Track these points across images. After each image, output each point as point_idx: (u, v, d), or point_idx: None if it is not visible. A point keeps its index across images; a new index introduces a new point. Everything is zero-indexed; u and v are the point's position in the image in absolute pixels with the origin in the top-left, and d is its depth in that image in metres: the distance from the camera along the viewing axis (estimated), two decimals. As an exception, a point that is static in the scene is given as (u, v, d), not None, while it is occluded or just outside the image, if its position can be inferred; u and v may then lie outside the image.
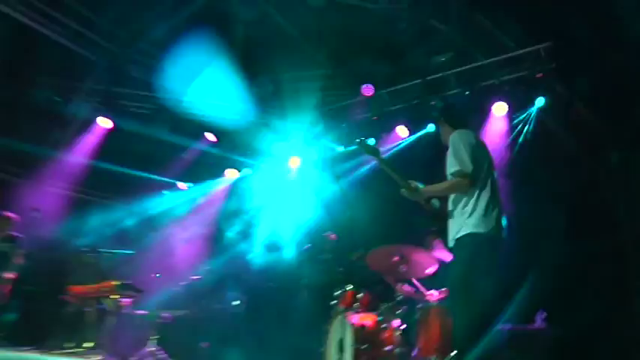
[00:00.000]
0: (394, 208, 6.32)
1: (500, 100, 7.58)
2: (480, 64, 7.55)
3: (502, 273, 4.09)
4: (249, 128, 9.21)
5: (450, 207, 4.32)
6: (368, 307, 6.24)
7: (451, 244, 4.24)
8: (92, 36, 9.46)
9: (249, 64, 8.77)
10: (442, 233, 4.52)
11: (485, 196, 4.15)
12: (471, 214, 4.10)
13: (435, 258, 6.07)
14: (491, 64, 7.46)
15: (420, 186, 4.41)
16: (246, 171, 9.61)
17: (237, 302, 7.99)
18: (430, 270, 6.14)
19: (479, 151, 4.29)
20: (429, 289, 6.24)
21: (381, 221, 7.04)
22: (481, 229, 4.05)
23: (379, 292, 6.43)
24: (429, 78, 7.83)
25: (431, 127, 8.03)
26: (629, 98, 6.59)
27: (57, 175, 10.28)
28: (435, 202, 4.53)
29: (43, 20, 8.81)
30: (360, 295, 6.24)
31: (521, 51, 7.23)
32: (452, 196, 4.30)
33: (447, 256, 5.73)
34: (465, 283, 3.98)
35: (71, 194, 10.61)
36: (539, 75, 7.02)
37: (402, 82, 8.20)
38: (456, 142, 4.22)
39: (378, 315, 6.04)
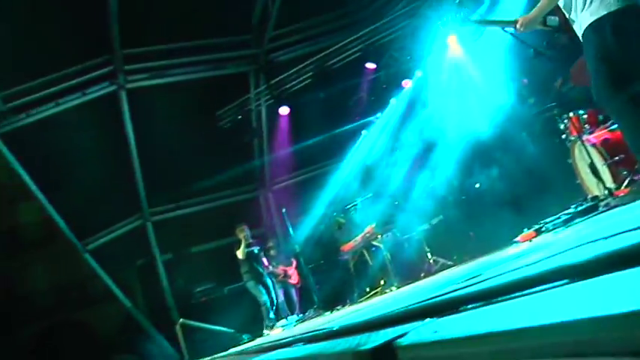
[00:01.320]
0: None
1: None
2: None
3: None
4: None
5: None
6: (598, 122, 6.07)
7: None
8: (229, 54, 10.61)
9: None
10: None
11: None
12: None
13: None
14: None
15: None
16: (418, 74, 9.74)
17: (479, 184, 8.30)
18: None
19: None
20: None
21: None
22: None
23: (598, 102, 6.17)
24: None
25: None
26: None
27: (279, 172, 11.71)
28: (552, 20, 4.28)
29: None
30: (584, 116, 6.10)
31: None
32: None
33: None
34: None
35: (298, 180, 12.03)
36: None
37: None
38: None
39: (611, 124, 5.86)
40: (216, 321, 9.75)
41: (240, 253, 9.10)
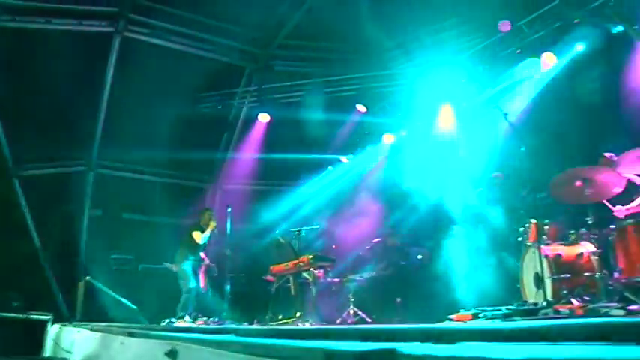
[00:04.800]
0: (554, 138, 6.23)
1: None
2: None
3: None
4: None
5: None
6: (556, 237, 6.25)
7: None
8: (234, 44, 10.50)
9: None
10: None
11: None
12: None
13: (621, 176, 5.87)
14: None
15: None
16: (401, 134, 9.93)
17: (421, 256, 8.39)
18: (617, 190, 5.94)
19: None
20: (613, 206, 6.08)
21: (549, 150, 6.96)
22: None
23: (563, 221, 6.39)
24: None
25: (579, 48, 7.76)
26: None
27: (237, 174, 11.53)
28: None
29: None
30: (546, 227, 6.27)
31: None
32: None
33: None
34: None
35: (252, 188, 11.86)
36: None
37: (537, 9, 7.98)
38: None
39: (570, 243, 6.05)
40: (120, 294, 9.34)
41: (199, 237, 8.84)
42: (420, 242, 8.56)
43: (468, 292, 7.03)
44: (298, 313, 8.38)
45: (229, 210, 9.10)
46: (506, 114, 5.27)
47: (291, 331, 3.22)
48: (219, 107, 10.97)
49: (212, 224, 8.95)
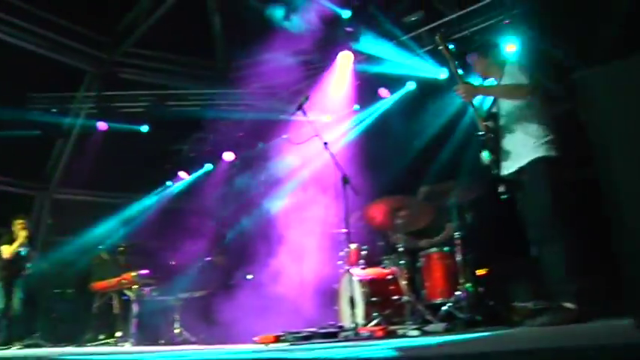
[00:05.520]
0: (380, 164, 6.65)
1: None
2: (450, 17, 7.80)
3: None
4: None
5: (509, 137, 4.44)
6: (372, 262, 6.61)
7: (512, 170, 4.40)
8: (77, 45, 9.84)
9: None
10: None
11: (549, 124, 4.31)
12: (540, 140, 4.23)
13: (430, 206, 6.37)
14: (460, 17, 7.71)
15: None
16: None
17: (251, 276, 8.38)
18: (427, 219, 6.45)
19: None
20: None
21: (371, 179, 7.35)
22: (554, 153, 4.20)
23: (381, 247, 6.77)
24: (402, 38, 8.11)
25: (411, 86, 8.37)
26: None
27: (69, 182, 10.72)
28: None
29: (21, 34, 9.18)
30: (363, 252, 6.60)
31: (487, 0, 7.48)
32: (511, 128, 4.42)
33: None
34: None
35: (85, 199, 11.09)
36: (506, 22, 7.27)
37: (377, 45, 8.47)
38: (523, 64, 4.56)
39: (383, 268, 6.43)
40: None
41: (6, 251, 7.98)
42: (251, 262, 8.55)
43: (290, 312, 7.15)
44: (119, 334, 7.99)
45: (49, 222, 8.44)
46: (326, 143, 5.48)
47: None
48: (54, 111, 10.20)
49: (22, 235, 8.18)
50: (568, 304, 3.88)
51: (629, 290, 1.97)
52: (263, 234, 8.05)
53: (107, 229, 9.81)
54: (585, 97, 2.08)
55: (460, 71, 4.56)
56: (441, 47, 4.67)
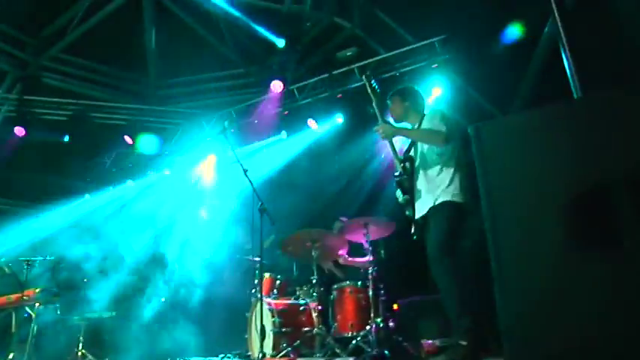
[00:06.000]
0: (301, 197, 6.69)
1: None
2: (381, 57, 8.03)
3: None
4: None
5: (422, 179, 4.57)
6: (285, 292, 6.58)
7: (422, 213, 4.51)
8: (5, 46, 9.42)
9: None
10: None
11: (462, 170, 4.45)
12: (448, 185, 4.38)
13: (345, 240, 6.44)
14: (391, 57, 7.95)
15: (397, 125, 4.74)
16: (164, 172, 9.75)
17: (163, 299, 8.14)
18: (341, 252, 6.52)
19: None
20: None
21: (290, 208, 7.38)
22: (459, 199, 4.35)
23: (296, 277, 6.76)
24: (335, 72, 8.25)
25: (339, 120, 8.51)
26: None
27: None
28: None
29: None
30: (278, 282, 6.57)
31: (418, 44, 7.76)
32: (425, 171, 4.56)
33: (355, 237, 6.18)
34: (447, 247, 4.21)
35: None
36: (434, 66, 7.56)
37: (310, 77, 8.60)
38: (442, 112, 4.62)
39: (296, 298, 6.40)
40: None
41: None
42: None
43: (202, 339, 7.03)
44: (12, 355, 7.48)
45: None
46: (246, 170, 5.46)
47: None
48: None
49: None
50: (462, 342, 3.97)
51: (505, 337, 2.03)
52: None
53: (9, 240, 9.23)
54: (478, 148, 2.16)
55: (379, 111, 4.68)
56: (366, 84, 4.79)
